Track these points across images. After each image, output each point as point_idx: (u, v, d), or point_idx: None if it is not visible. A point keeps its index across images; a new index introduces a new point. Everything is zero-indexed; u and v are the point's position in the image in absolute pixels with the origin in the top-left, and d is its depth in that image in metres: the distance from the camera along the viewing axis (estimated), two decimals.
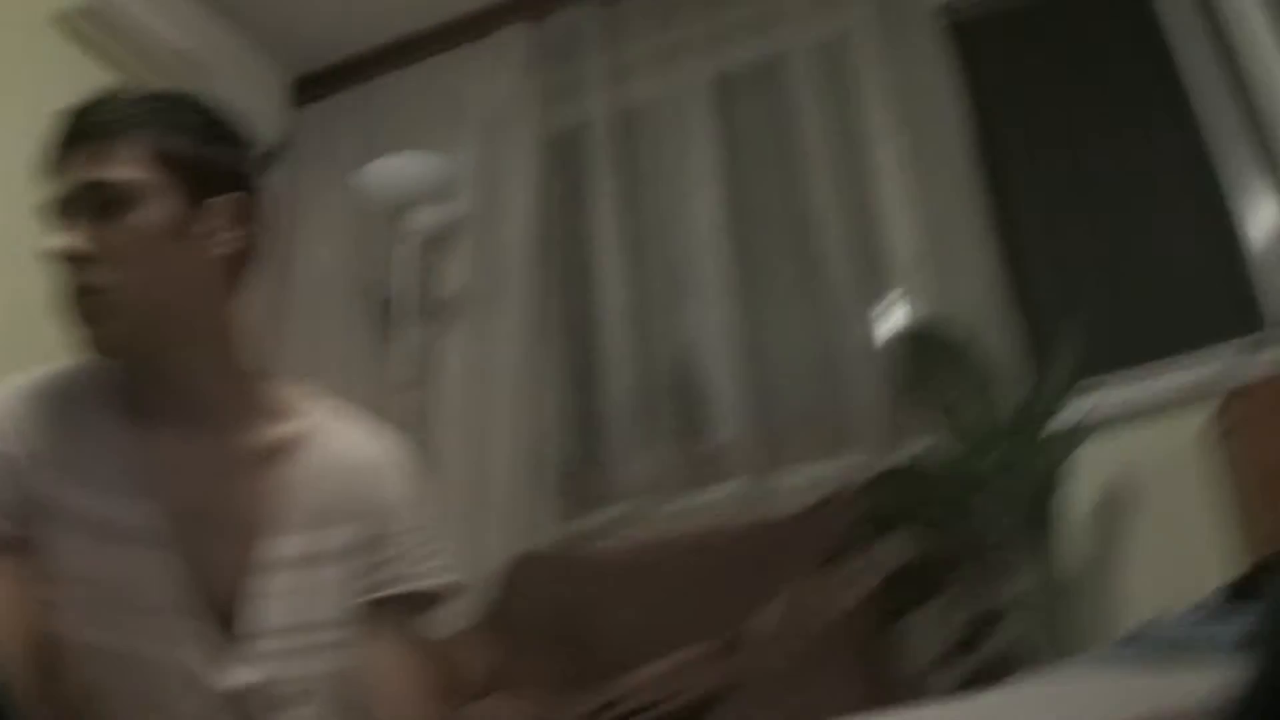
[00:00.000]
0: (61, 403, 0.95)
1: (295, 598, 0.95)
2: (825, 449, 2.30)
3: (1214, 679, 0.36)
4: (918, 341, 2.25)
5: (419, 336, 2.53)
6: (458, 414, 2.49)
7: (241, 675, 0.92)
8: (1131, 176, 2.42)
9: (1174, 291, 2.31)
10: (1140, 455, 2.07)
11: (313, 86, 2.89)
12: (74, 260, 0.90)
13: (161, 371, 0.95)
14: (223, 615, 0.92)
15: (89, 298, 0.90)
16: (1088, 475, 2.02)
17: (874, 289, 2.39)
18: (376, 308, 2.64)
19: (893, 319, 2.38)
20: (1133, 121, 2.47)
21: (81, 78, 2.05)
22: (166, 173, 0.94)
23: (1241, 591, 0.57)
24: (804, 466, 2.30)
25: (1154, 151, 2.42)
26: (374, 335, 2.62)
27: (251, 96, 2.58)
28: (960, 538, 1.97)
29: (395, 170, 2.51)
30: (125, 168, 0.92)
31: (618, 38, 2.67)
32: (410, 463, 1.11)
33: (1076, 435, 1.97)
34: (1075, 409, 1.96)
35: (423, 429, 2.40)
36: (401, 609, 1.02)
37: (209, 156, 0.98)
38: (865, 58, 2.50)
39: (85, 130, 0.94)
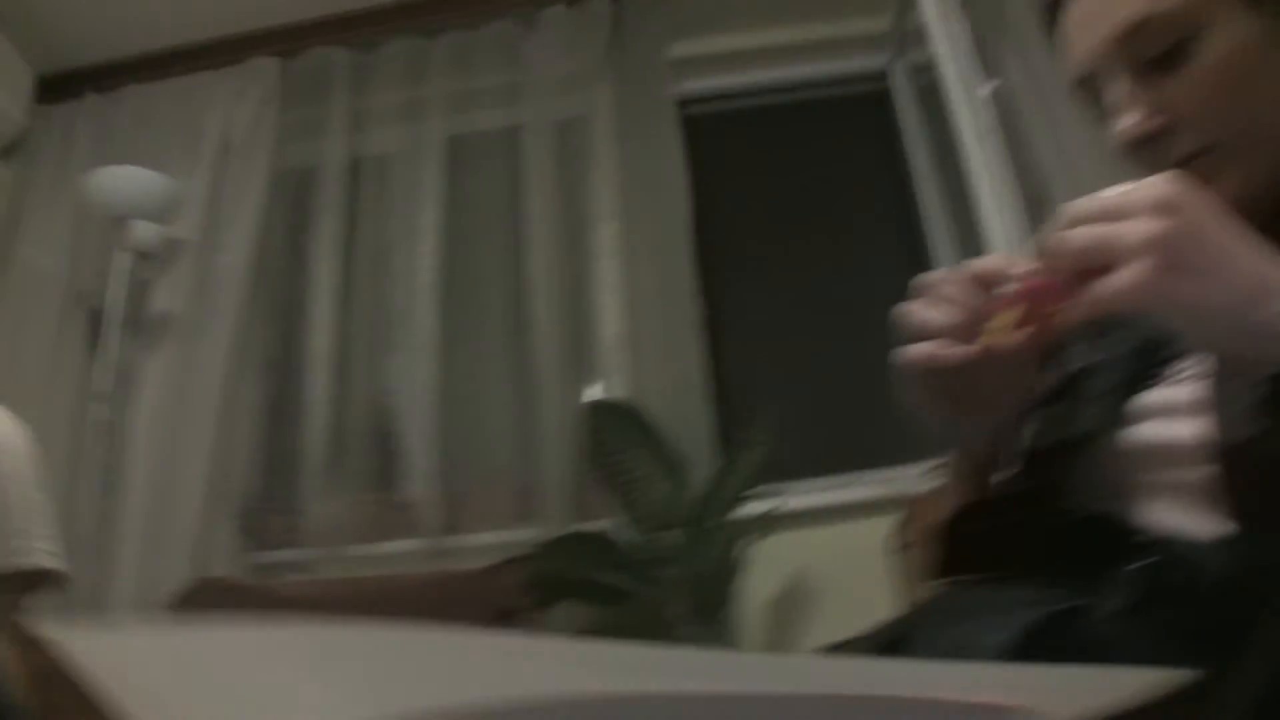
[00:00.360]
0: None
1: None
2: (514, 514, 2.34)
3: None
4: (612, 418, 2.27)
5: (123, 351, 2.47)
6: (150, 434, 2.42)
7: None
8: (846, 292, 2.56)
9: (872, 408, 2.40)
10: (823, 555, 2.17)
11: (57, 87, 2.82)
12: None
13: None
14: None
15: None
16: (769, 567, 2.10)
17: (579, 363, 2.45)
18: (86, 316, 2.58)
19: (593, 394, 2.46)
20: (856, 241, 2.64)
21: None
22: None
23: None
24: (491, 528, 2.32)
25: (872, 274, 2.57)
26: (81, 344, 2.55)
27: None
28: (637, 613, 2.01)
29: (121, 181, 2.47)
30: None
31: (364, 85, 2.72)
32: (30, 445, 1.11)
33: (760, 527, 2.04)
34: (763, 503, 2.04)
35: (113, 445, 2.37)
36: (12, 583, 1.01)
37: None
38: (600, 140, 2.60)
39: None
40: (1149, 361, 0.73)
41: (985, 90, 2.05)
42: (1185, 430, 0.63)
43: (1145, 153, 0.70)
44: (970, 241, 2.19)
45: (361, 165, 2.66)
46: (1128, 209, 0.55)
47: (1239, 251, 0.55)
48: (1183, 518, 0.62)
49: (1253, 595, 0.53)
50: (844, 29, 2.80)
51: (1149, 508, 0.65)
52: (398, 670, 0.29)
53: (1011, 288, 0.63)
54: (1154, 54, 0.73)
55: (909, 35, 2.64)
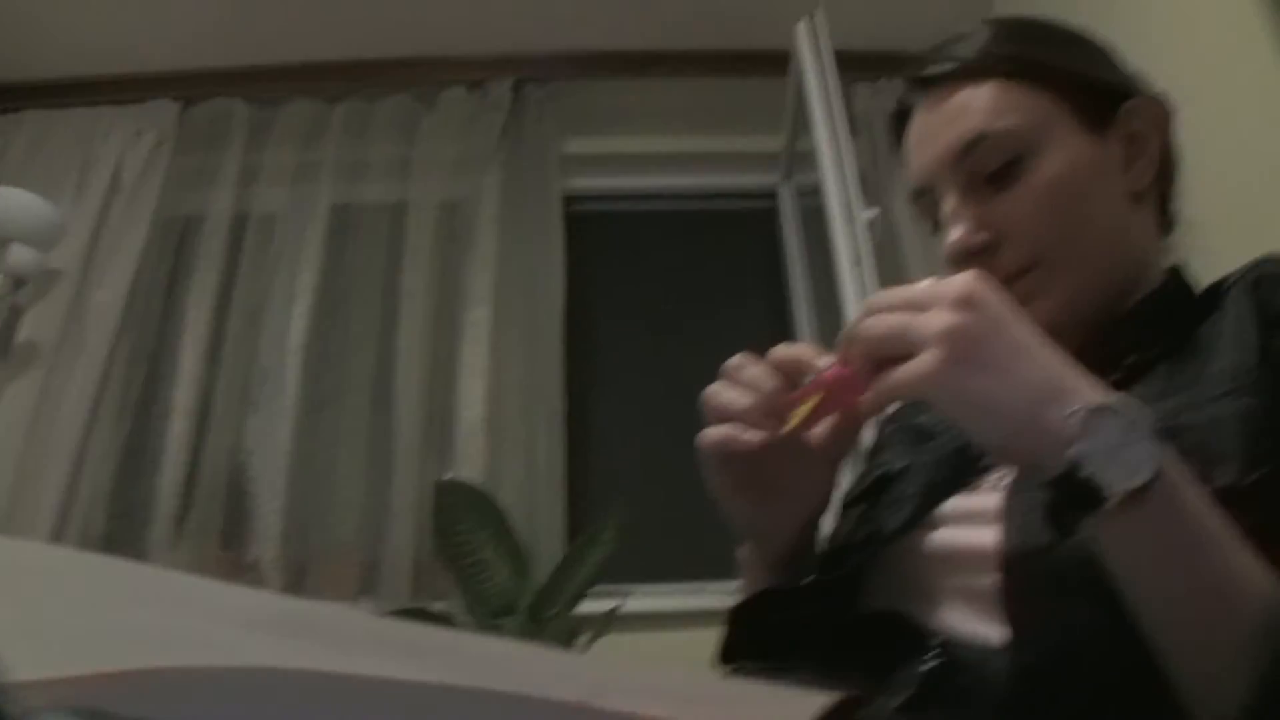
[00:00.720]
0: None
1: None
2: (357, 585, 2.35)
3: None
4: (461, 499, 2.24)
5: None
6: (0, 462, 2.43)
7: None
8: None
9: (723, 518, 2.46)
10: (660, 660, 2.13)
11: None
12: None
13: None
14: None
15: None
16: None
17: (437, 443, 2.45)
18: None
19: (449, 473, 2.45)
20: (727, 352, 2.60)
21: None
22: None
23: None
24: (333, 597, 2.30)
25: None
26: None
27: None
28: None
29: (5, 201, 2.45)
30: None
31: (259, 142, 2.73)
32: None
33: (599, 625, 2.04)
34: (604, 601, 2.05)
35: None
36: None
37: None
38: (483, 225, 2.64)
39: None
40: (963, 468, 0.74)
41: (865, 217, 2.09)
42: (982, 537, 0.63)
43: (972, 266, 0.70)
44: None
45: (247, 221, 2.67)
46: (928, 301, 0.56)
47: (1034, 353, 0.55)
48: (973, 623, 0.62)
49: (1026, 704, 0.54)
50: (738, 145, 2.86)
51: (942, 611, 0.65)
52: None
53: (812, 377, 0.64)
54: (988, 170, 0.76)
55: (798, 158, 2.68)
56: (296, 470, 2.44)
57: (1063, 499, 0.52)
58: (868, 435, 2.27)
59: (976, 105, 0.76)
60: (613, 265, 2.80)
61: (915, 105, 0.82)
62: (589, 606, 2.04)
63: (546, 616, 2.07)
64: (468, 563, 2.20)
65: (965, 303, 0.55)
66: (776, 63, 2.54)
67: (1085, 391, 0.54)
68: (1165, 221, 0.84)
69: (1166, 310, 0.75)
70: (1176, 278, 0.80)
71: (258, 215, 2.68)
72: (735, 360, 0.68)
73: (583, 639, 2.04)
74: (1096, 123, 0.78)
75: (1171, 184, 0.85)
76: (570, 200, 2.77)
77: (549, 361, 2.51)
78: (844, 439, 0.71)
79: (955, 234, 0.75)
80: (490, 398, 2.45)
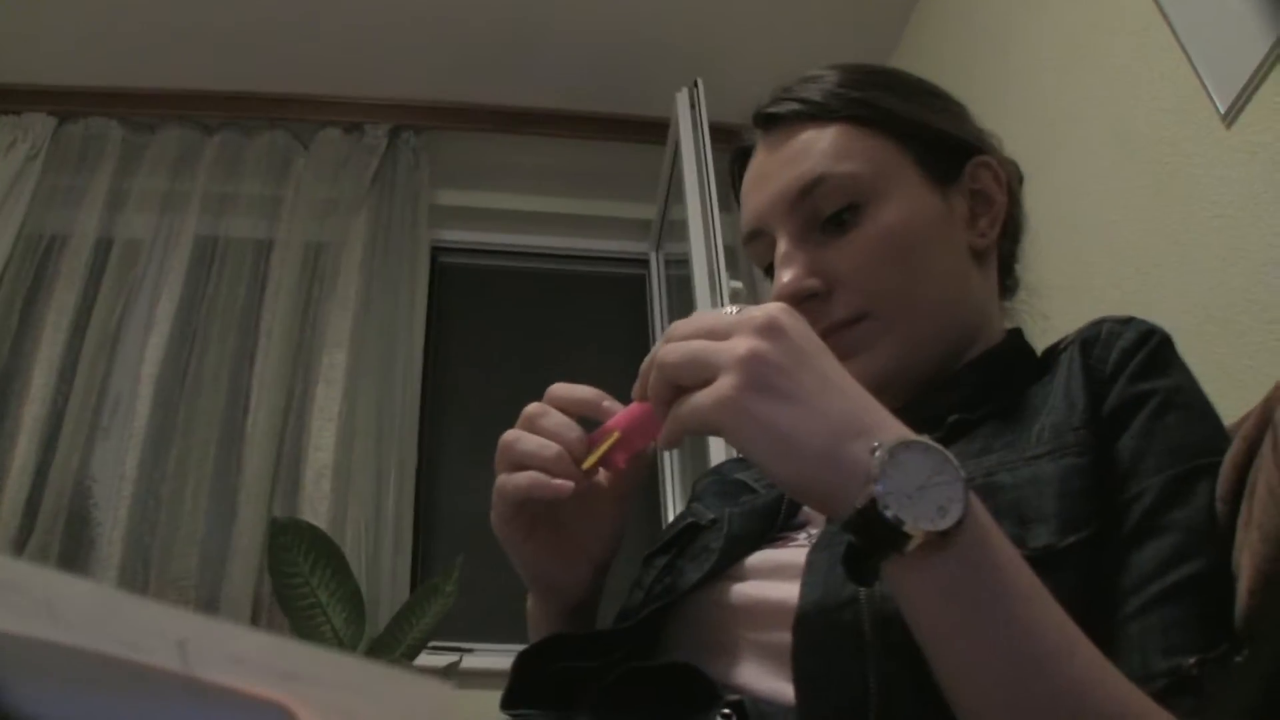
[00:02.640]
0: None
1: None
2: None
3: None
4: (299, 540, 2.23)
5: None
6: None
7: None
8: None
9: None
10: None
11: None
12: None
13: None
14: None
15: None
16: None
17: (285, 483, 2.51)
18: None
19: (298, 512, 2.50)
20: None
21: None
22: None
23: None
24: None
25: None
26: None
27: None
28: None
29: None
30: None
31: (131, 166, 2.80)
32: None
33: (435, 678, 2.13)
34: (442, 656, 2.10)
35: None
36: None
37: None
38: (348, 268, 2.72)
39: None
40: (775, 522, 0.73)
41: (730, 287, 2.17)
42: (783, 591, 0.63)
43: (801, 313, 0.65)
44: (699, 450, 2.27)
45: (111, 244, 2.73)
46: (730, 328, 0.55)
47: (837, 386, 0.54)
48: (770, 679, 0.61)
49: None
50: (613, 210, 2.94)
51: (739, 666, 0.64)
52: None
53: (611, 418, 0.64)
54: (824, 215, 0.75)
55: (670, 226, 2.80)
56: (140, 500, 2.45)
57: (863, 542, 0.50)
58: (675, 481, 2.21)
59: (818, 147, 0.76)
60: (477, 319, 2.85)
61: (756, 146, 0.82)
62: (426, 660, 2.06)
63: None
64: (303, 604, 2.24)
65: (768, 330, 0.54)
66: (655, 130, 2.65)
67: (891, 428, 0.53)
68: (1007, 284, 0.86)
69: (1000, 370, 0.76)
70: (1014, 339, 0.81)
71: (123, 240, 2.74)
72: (535, 407, 0.67)
73: None
74: (941, 176, 0.78)
75: (1016, 246, 0.86)
76: (438, 251, 2.87)
77: (404, 410, 2.58)
78: (632, 476, 0.70)
79: (785, 277, 0.74)
80: (341, 442, 2.50)
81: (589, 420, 0.67)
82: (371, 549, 2.39)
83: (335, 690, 0.33)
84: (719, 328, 0.55)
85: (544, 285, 2.97)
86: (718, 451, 1.96)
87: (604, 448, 0.64)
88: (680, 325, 0.57)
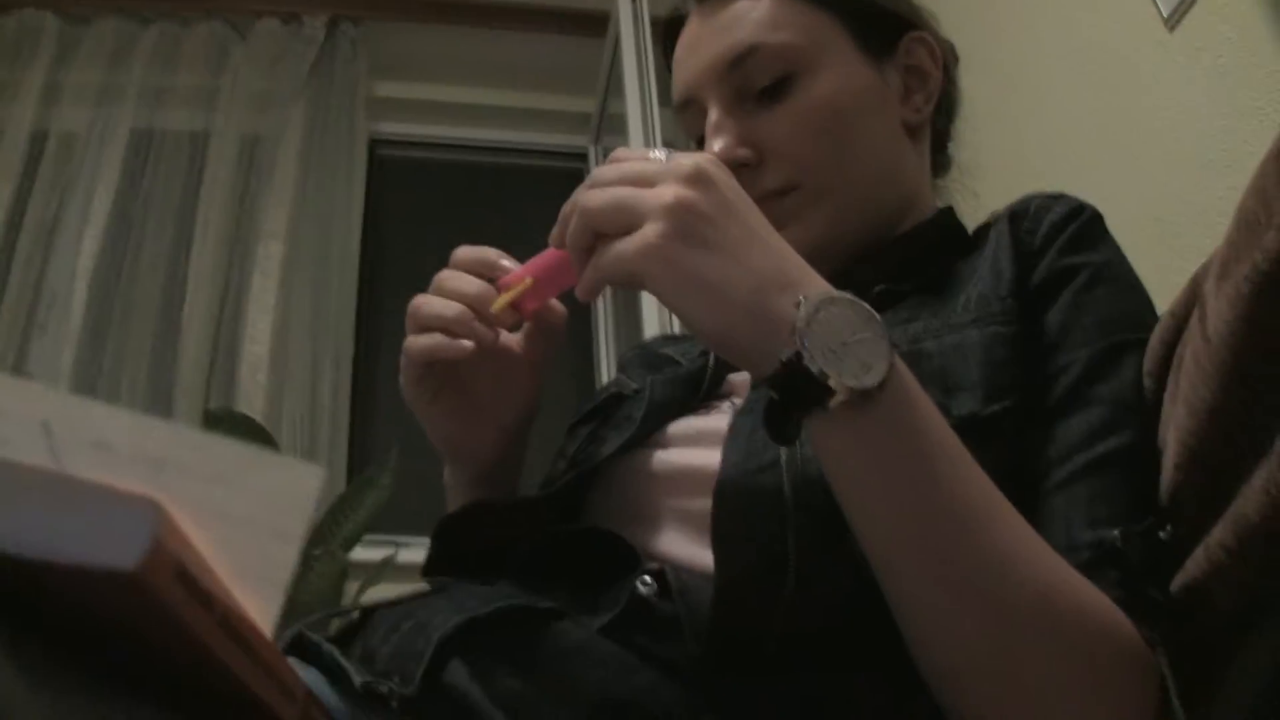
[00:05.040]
0: None
1: None
2: None
3: None
4: (233, 431, 2.23)
5: None
6: None
7: None
8: None
9: None
10: None
11: None
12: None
13: None
14: None
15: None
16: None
17: (222, 375, 2.61)
18: None
19: (234, 404, 2.54)
20: None
21: None
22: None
23: None
24: None
25: None
26: None
27: None
28: None
29: None
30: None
31: (67, 59, 2.86)
32: None
33: (370, 573, 2.12)
34: (380, 550, 2.14)
35: None
36: None
37: None
38: (284, 161, 2.80)
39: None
40: (699, 390, 0.75)
41: (664, 154, 2.29)
42: (705, 458, 0.64)
43: None
44: (633, 322, 2.35)
45: (46, 138, 2.79)
46: (657, 175, 0.54)
47: (763, 239, 0.54)
48: (692, 547, 0.62)
49: (725, 631, 0.54)
50: (551, 103, 3.00)
51: (661, 533, 0.65)
52: None
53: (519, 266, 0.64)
54: (757, 86, 0.76)
55: (610, 121, 2.85)
56: (78, 395, 2.63)
57: (785, 397, 0.50)
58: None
59: (752, 17, 0.77)
60: (414, 212, 2.91)
61: (689, 15, 0.83)
62: (362, 554, 2.11)
63: (314, 555, 2.10)
64: None
65: (696, 179, 0.54)
66: (595, 23, 2.71)
67: (816, 283, 0.54)
68: (940, 161, 0.88)
69: (928, 244, 0.78)
70: (944, 216, 0.83)
71: (58, 133, 2.79)
72: (444, 272, 0.68)
73: (352, 584, 2.12)
74: (876, 50, 0.80)
75: (950, 124, 0.88)
76: (375, 143, 2.93)
77: (340, 302, 2.66)
78: (546, 337, 0.71)
79: (715, 146, 0.75)
80: (277, 333, 2.59)
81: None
82: (308, 441, 2.48)
83: (204, 482, 0.33)
84: (645, 174, 0.55)
85: (482, 179, 3.01)
86: (651, 322, 2.02)
87: (513, 293, 0.64)
88: (605, 170, 0.57)
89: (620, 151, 0.59)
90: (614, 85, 2.62)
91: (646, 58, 2.39)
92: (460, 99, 3.01)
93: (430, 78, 3.00)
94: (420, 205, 2.95)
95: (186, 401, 2.54)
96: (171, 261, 2.69)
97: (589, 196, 0.56)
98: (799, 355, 0.50)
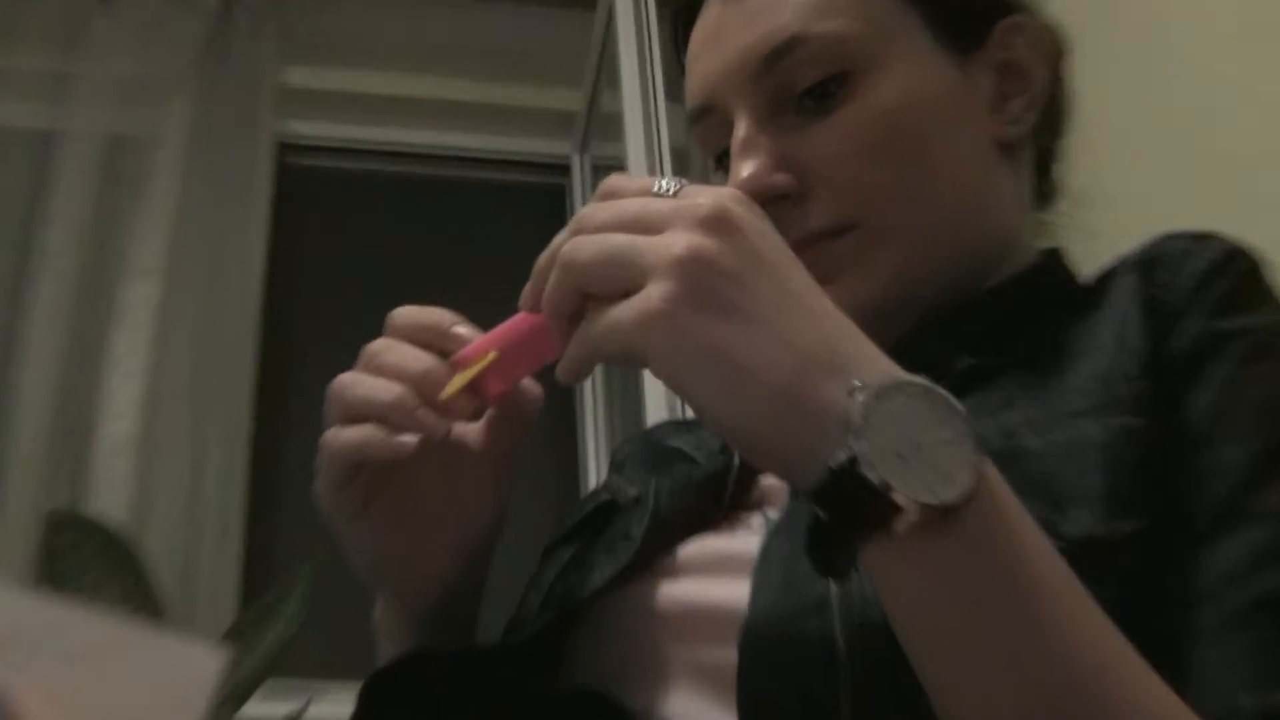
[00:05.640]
0: None
1: None
2: None
3: None
4: (80, 538, 2.09)
5: None
6: None
7: None
8: None
9: None
10: None
11: None
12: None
13: None
14: None
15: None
16: None
17: (72, 461, 2.30)
18: None
19: (86, 501, 2.27)
20: None
21: None
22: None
23: None
24: None
25: None
26: None
27: None
28: None
29: None
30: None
31: None
32: None
33: None
34: (283, 703, 1.94)
35: None
36: None
37: None
38: (163, 170, 2.51)
39: None
40: (718, 499, 0.70)
41: (674, 186, 2.24)
42: (728, 592, 0.60)
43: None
44: (632, 405, 2.25)
45: None
46: (665, 218, 0.50)
47: (803, 302, 0.50)
48: (705, 709, 0.59)
49: None
50: (521, 98, 2.77)
51: (666, 693, 0.61)
52: None
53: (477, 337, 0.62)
54: (800, 89, 0.72)
55: (600, 122, 2.64)
56: None
57: (836, 517, 0.47)
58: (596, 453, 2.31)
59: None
60: (338, 241, 2.68)
61: None
62: (257, 709, 1.86)
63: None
64: (85, 600, 2.20)
65: (716, 222, 0.50)
66: None
67: (876, 363, 0.50)
68: (1045, 189, 0.83)
69: (1029, 301, 0.73)
70: (1049, 261, 0.77)
71: None
72: (378, 342, 0.63)
73: None
74: (960, 41, 0.75)
75: (1058, 138, 0.83)
76: (286, 149, 2.65)
77: (235, 362, 2.38)
78: (515, 430, 0.67)
79: (745, 170, 0.70)
80: (147, 405, 2.31)
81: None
82: (187, 552, 2.22)
83: (67, 663, 0.35)
84: (649, 216, 0.51)
85: (429, 197, 2.77)
86: (656, 404, 1.90)
87: (472, 371, 0.60)
88: (595, 210, 0.53)
89: (615, 181, 0.56)
90: (606, 74, 2.46)
91: (650, 38, 2.20)
92: (398, 91, 2.75)
93: (358, 63, 2.72)
94: (346, 231, 2.70)
95: (21, 497, 2.22)
96: (5, 303, 2.38)
97: (575, 245, 0.52)
98: (854, 461, 0.46)
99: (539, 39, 2.73)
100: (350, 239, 2.72)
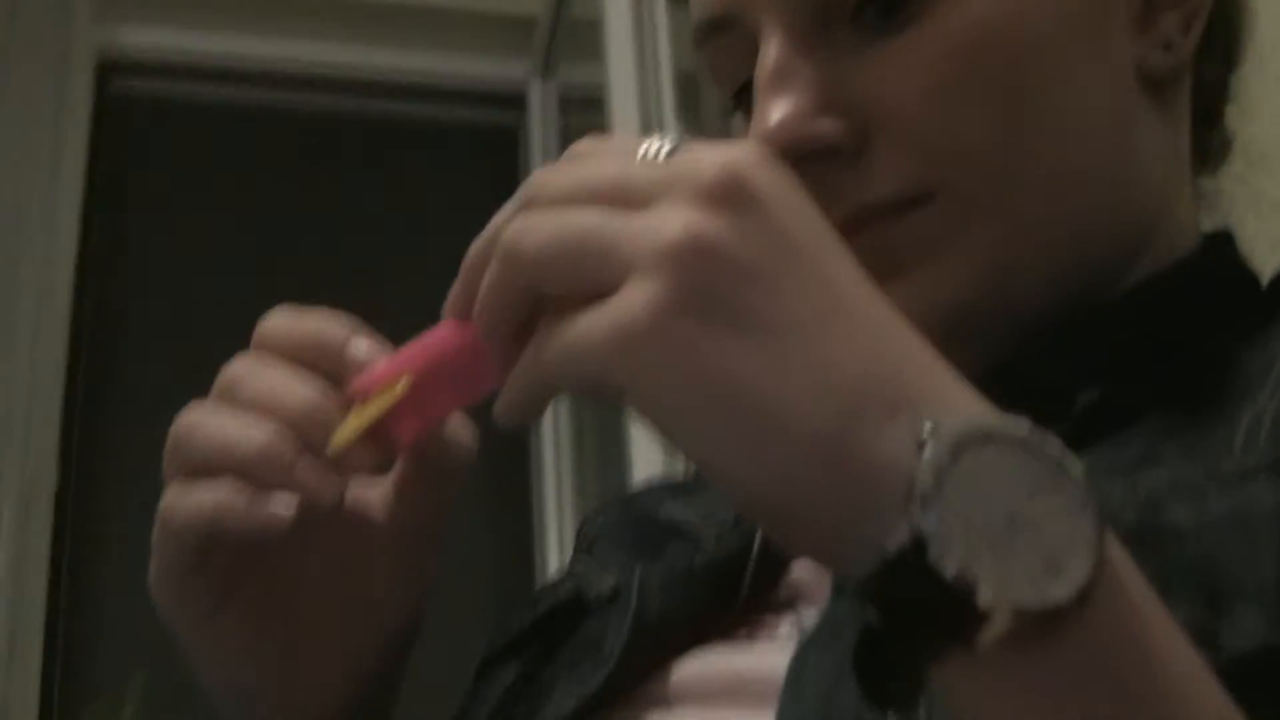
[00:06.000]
0: None
1: None
2: None
3: None
4: None
5: None
6: None
7: None
8: None
9: None
10: None
11: None
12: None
13: None
14: None
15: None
16: None
17: None
18: None
19: None
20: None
21: None
22: None
23: None
24: None
25: None
26: None
27: None
28: None
29: None
30: None
31: None
32: None
33: None
34: None
35: None
36: None
37: None
38: None
39: None
40: (725, 593, 0.62)
41: (667, 145, 2.00)
42: None
43: (805, 183, 0.46)
44: (609, 454, 2.16)
45: None
46: (653, 188, 0.41)
47: (851, 310, 0.42)
48: None
49: None
50: (450, 2, 2.45)
51: None
52: None
53: (382, 359, 0.54)
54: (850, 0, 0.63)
55: (567, 36, 2.35)
56: None
57: (895, 624, 0.39)
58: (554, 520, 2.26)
59: None
60: (188, 203, 2.34)
61: None
62: None
63: None
64: None
65: (726, 195, 0.40)
66: None
67: (954, 398, 0.41)
68: (1210, 142, 0.70)
69: (1184, 311, 0.63)
70: (1217, 251, 0.66)
71: None
72: (242, 362, 0.56)
73: None
74: None
75: (1231, 69, 0.70)
76: (108, 69, 2.33)
77: (35, 378, 2.10)
78: (437, 489, 0.60)
79: (777, 112, 0.58)
80: None
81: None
82: None
83: None
84: (631, 185, 0.42)
85: (320, 138, 2.43)
86: (644, 454, 1.72)
87: (375, 408, 0.52)
88: (553, 175, 0.45)
89: (587, 143, 0.46)
90: None
91: None
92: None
93: None
94: (200, 189, 2.34)
95: None
96: None
97: (523, 227, 0.42)
98: (921, 543, 0.37)
99: None
100: (205, 198, 2.36)
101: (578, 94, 2.33)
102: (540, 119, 2.43)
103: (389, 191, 2.42)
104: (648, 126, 1.80)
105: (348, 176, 2.42)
